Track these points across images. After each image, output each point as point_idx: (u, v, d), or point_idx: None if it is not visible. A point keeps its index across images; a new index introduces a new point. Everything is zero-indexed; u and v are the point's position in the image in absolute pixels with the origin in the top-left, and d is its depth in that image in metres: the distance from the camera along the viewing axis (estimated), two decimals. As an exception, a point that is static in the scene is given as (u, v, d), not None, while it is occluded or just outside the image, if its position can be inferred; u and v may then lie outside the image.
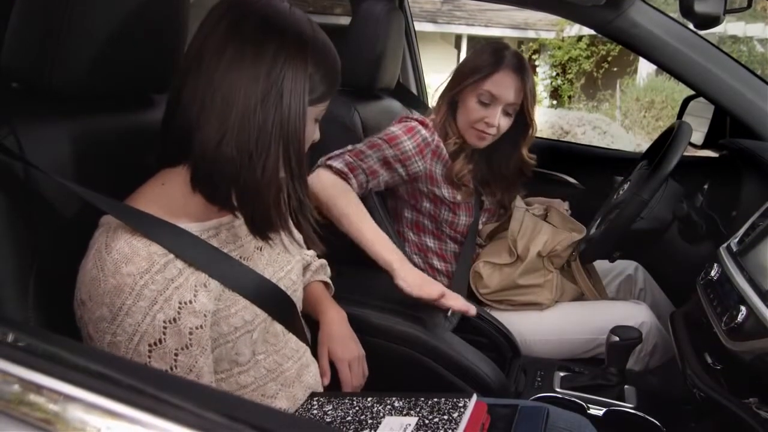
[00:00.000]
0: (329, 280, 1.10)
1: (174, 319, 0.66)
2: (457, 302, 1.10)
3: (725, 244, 1.09)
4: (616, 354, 1.16)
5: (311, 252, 1.08)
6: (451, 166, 1.37)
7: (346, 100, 1.51)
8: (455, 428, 0.74)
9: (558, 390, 1.17)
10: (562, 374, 1.21)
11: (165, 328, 0.65)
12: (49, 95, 0.73)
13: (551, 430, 0.87)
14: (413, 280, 1.10)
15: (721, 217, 1.34)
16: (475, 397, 0.81)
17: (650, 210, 1.24)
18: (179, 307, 0.66)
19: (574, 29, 9.39)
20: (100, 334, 0.65)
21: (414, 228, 1.45)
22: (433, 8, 9.56)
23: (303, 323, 0.92)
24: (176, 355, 0.67)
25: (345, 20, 1.78)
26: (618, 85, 9.26)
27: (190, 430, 0.39)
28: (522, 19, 9.78)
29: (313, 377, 0.91)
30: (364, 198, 1.29)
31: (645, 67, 8.83)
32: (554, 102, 10.06)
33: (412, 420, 0.77)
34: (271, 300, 0.80)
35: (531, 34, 10.05)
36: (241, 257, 0.78)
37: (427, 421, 0.76)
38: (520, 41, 10.18)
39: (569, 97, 10.06)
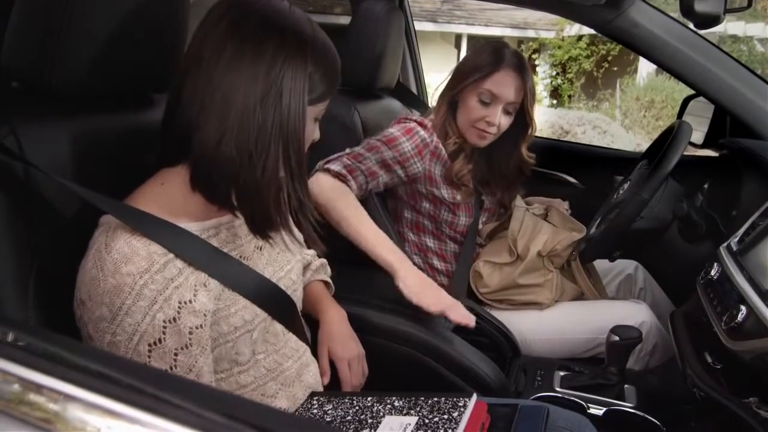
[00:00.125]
0: (329, 280, 1.10)
1: (174, 319, 0.66)
2: (456, 315, 1.08)
3: (725, 244, 1.09)
4: (616, 353, 1.16)
5: (311, 251, 1.08)
6: (450, 166, 1.37)
7: (346, 100, 1.51)
8: (455, 428, 0.74)
9: (558, 389, 1.17)
10: (562, 374, 1.21)
11: (165, 327, 0.65)
12: (49, 95, 0.73)
13: (551, 429, 0.87)
14: (414, 286, 1.10)
15: (721, 216, 1.34)
16: (475, 396, 0.81)
17: (650, 209, 1.24)
18: (179, 307, 0.66)
19: (574, 29, 9.39)
20: (99, 334, 0.65)
21: (414, 228, 1.45)
22: (433, 8, 9.56)
23: (303, 323, 0.92)
24: (176, 354, 0.67)
25: (345, 20, 1.78)
26: (618, 85, 9.25)
27: (190, 430, 0.39)
28: (522, 18, 9.78)
29: (313, 377, 0.91)
30: (364, 199, 1.30)
31: (645, 67, 8.83)
32: (554, 101, 10.06)
33: (412, 419, 0.77)
34: (271, 299, 0.80)
35: (531, 33, 10.05)
36: (240, 257, 0.78)
37: (427, 421, 0.76)
38: (520, 40, 10.18)
39: (569, 96, 10.06)
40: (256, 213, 0.71)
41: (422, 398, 0.82)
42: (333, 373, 0.98)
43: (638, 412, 1.11)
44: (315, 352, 0.97)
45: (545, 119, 7.57)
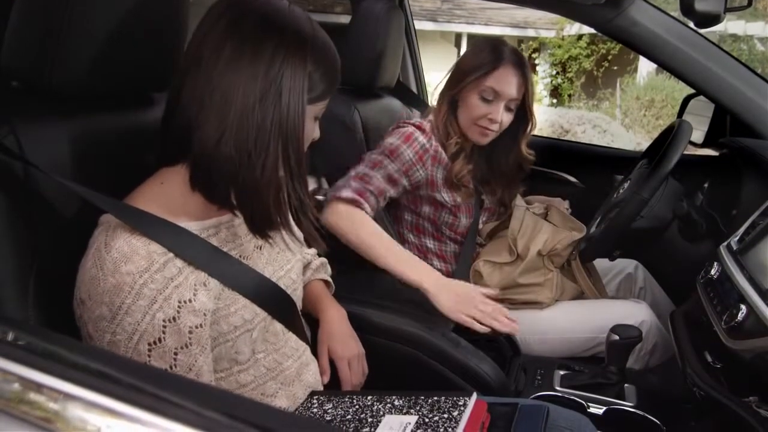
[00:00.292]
0: (329, 279, 1.10)
1: (173, 318, 0.66)
2: (501, 325, 1.08)
3: (725, 243, 1.09)
4: (616, 353, 1.16)
5: (312, 250, 1.08)
6: (450, 168, 1.37)
7: (346, 99, 1.51)
8: (455, 427, 0.74)
9: (558, 388, 1.17)
10: (562, 373, 1.21)
11: (164, 327, 0.65)
12: (49, 94, 0.73)
13: (551, 428, 0.87)
14: (447, 303, 1.11)
15: (721, 215, 1.34)
16: (475, 395, 0.81)
17: (650, 209, 1.24)
18: (179, 306, 0.66)
19: (575, 28, 9.39)
20: (99, 333, 0.65)
21: (414, 230, 1.45)
22: (433, 7, 9.55)
23: (303, 322, 0.92)
24: (176, 354, 0.67)
25: (345, 19, 1.77)
26: (618, 84, 9.25)
27: (190, 429, 0.39)
28: (522, 17, 9.77)
29: (312, 376, 0.91)
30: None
31: (645, 66, 8.82)
32: (554, 101, 10.06)
33: (412, 418, 0.77)
34: (271, 299, 0.80)
35: (531, 32, 10.04)
36: (240, 256, 0.78)
37: (427, 420, 0.76)
38: (520, 40, 10.18)
39: (569, 95, 10.05)
40: (256, 212, 0.71)
41: (422, 397, 0.82)
42: (333, 372, 0.98)
43: (638, 411, 1.11)
44: (315, 351, 0.97)
45: (545, 118, 7.56)
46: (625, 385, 1.17)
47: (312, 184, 1.64)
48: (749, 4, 1.42)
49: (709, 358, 1.03)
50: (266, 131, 0.68)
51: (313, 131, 0.77)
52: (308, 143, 0.77)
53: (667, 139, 1.31)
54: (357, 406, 0.83)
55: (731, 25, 8.13)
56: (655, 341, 1.35)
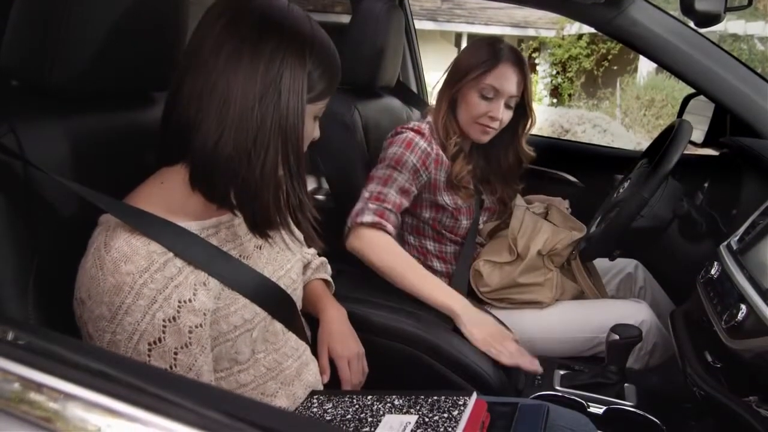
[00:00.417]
0: (329, 278, 1.10)
1: (173, 318, 0.66)
2: (528, 364, 1.10)
3: (725, 243, 1.09)
4: (616, 352, 1.16)
5: (312, 250, 1.08)
6: (450, 169, 1.37)
7: (346, 98, 1.51)
8: (455, 426, 0.74)
9: (558, 388, 1.16)
10: (562, 372, 1.21)
11: (164, 326, 0.65)
12: (48, 94, 0.73)
13: (551, 428, 0.87)
14: (478, 335, 1.12)
15: (721, 215, 1.34)
16: (475, 395, 0.81)
17: (650, 208, 1.23)
18: (179, 306, 0.66)
19: (575, 27, 9.39)
20: (99, 333, 0.65)
21: (414, 232, 1.45)
22: (433, 6, 9.56)
23: (303, 321, 0.92)
24: (176, 353, 0.67)
25: (345, 18, 1.77)
26: (618, 84, 9.25)
27: (190, 429, 0.39)
28: (522, 17, 9.78)
29: (313, 375, 0.91)
30: None
31: (645, 66, 8.82)
32: (554, 100, 10.06)
33: (412, 418, 0.77)
34: (271, 298, 0.80)
35: (531, 32, 10.05)
36: (240, 256, 0.78)
37: (427, 419, 0.76)
38: (520, 39, 10.18)
39: (569, 95, 10.06)
40: (256, 212, 0.71)
41: (422, 397, 0.82)
42: (333, 372, 0.98)
43: (638, 411, 1.11)
44: (315, 351, 0.97)
45: (545, 118, 7.56)
46: (625, 384, 1.17)
47: (312, 184, 1.65)
48: (749, 3, 1.42)
49: (709, 358, 1.03)
50: (266, 131, 0.68)
51: (313, 131, 0.77)
52: (308, 143, 0.76)
53: (667, 138, 1.31)
54: (357, 406, 0.83)
55: (731, 25, 8.13)
56: (655, 341, 1.35)
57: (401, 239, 1.46)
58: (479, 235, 1.48)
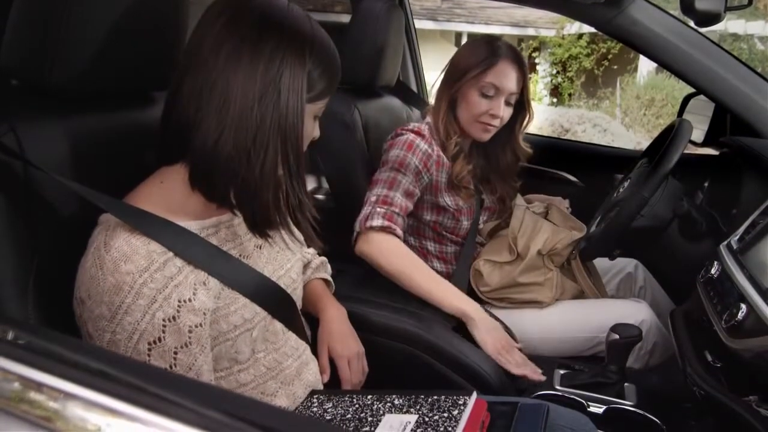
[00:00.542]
0: (330, 278, 1.10)
1: (173, 318, 0.66)
2: (533, 374, 1.12)
3: (725, 242, 1.09)
4: (616, 352, 1.16)
5: (312, 250, 1.08)
6: (450, 169, 1.37)
7: (346, 98, 1.51)
8: (455, 426, 0.74)
9: (558, 388, 1.16)
10: (562, 372, 1.21)
11: (164, 326, 0.65)
12: (48, 93, 0.73)
13: (551, 427, 0.87)
14: (491, 342, 1.13)
15: (721, 214, 1.34)
16: (475, 394, 0.81)
17: (650, 208, 1.23)
18: (178, 306, 0.66)
19: (575, 27, 9.39)
20: (99, 333, 0.65)
21: (415, 233, 1.45)
22: (433, 6, 9.55)
23: (303, 321, 0.92)
24: (176, 353, 0.67)
25: (345, 18, 1.77)
26: (618, 83, 9.24)
27: (190, 428, 0.39)
28: (522, 16, 9.77)
29: (313, 375, 0.91)
30: None
31: (645, 65, 8.82)
32: (554, 100, 10.06)
33: (412, 418, 0.77)
34: (271, 298, 0.80)
35: (531, 31, 10.04)
36: (240, 255, 0.78)
37: (427, 419, 0.76)
38: (521, 39, 10.17)
39: (569, 94, 10.05)
40: (255, 211, 0.71)
41: (422, 396, 0.82)
42: (333, 372, 0.98)
43: (638, 411, 1.11)
44: (315, 350, 0.97)
45: (545, 117, 7.56)
46: (625, 384, 1.17)
47: (311, 184, 1.65)
48: (749, 3, 1.42)
49: (709, 358, 1.03)
50: (265, 130, 0.68)
51: (312, 130, 0.77)
52: (308, 142, 0.76)
53: (668, 138, 1.31)
54: (357, 405, 0.83)
55: (731, 24, 8.13)
56: (655, 340, 1.35)
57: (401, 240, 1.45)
58: (479, 234, 1.48)
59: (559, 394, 1.15)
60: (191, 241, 0.70)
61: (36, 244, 0.69)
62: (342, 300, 1.07)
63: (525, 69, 1.38)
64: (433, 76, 1.53)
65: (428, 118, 1.43)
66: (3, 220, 0.67)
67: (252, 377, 0.80)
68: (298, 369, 0.87)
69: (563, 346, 1.36)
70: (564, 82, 10.03)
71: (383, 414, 0.80)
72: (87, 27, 0.71)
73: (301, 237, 0.89)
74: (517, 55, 1.38)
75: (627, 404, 1.12)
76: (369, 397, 0.85)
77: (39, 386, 0.43)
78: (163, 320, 0.65)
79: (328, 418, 0.82)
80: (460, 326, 1.17)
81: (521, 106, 1.42)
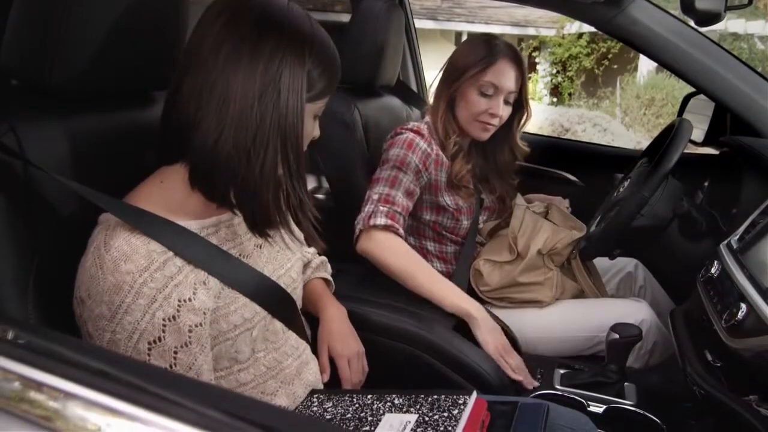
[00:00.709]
0: (330, 277, 1.10)
1: (173, 317, 0.66)
2: (528, 381, 1.14)
3: (725, 242, 1.09)
4: (616, 351, 1.16)
5: (312, 249, 1.08)
6: (450, 168, 1.37)
7: (346, 97, 1.51)
8: (455, 425, 0.74)
9: (558, 387, 1.16)
10: (562, 371, 1.21)
11: (164, 325, 0.66)
12: (48, 93, 0.73)
13: (551, 427, 0.87)
14: (493, 342, 1.14)
15: (721, 214, 1.34)
16: (475, 394, 0.81)
17: (650, 207, 1.23)
18: (178, 305, 0.66)
19: (575, 26, 9.38)
20: (99, 332, 0.65)
21: (415, 234, 1.45)
22: (434, 5, 9.55)
23: (303, 320, 0.92)
24: (176, 352, 0.67)
25: (345, 17, 1.77)
26: (618, 83, 9.24)
27: (189, 428, 0.39)
28: (522, 16, 9.77)
29: (313, 374, 0.91)
30: None
31: (645, 65, 8.82)
32: (554, 99, 10.06)
33: (412, 417, 0.77)
34: (271, 298, 0.80)
35: (531, 31, 10.04)
36: (240, 255, 0.78)
37: (426, 419, 0.76)
38: (521, 38, 10.17)
39: (569, 94, 10.05)
40: (255, 211, 0.71)
41: (422, 396, 0.82)
42: (333, 371, 0.98)
43: (638, 410, 1.11)
44: (315, 350, 0.97)
45: (545, 117, 7.56)
46: (625, 383, 1.17)
47: (312, 183, 1.65)
48: (749, 2, 1.42)
49: (709, 357, 1.03)
50: (265, 129, 0.68)
51: (312, 130, 0.77)
52: (308, 142, 0.76)
53: (668, 137, 1.31)
54: (357, 405, 0.83)
55: (731, 24, 8.12)
56: (655, 340, 1.35)
57: None
58: (479, 234, 1.48)
59: (559, 393, 1.15)
60: (191, 240, 0.70)
61: (36, 244, 0.69)
62: (342, 299, 1.07)
63: (523, 68, 1.38)
64: (433, 75, 1.53)
65: (427, 118, 1.43)
66: (3, 220, 0.67)
67: (252, 377, 0.80)
68: (298, 368, 0.87)
69: (563, 346, 1.36)
70: (564, 81, 10.02)
71: (383, 413, 0.80)
72: (87, 27, 0.71)
73: (301, 236, 0.89)
74: (516, 53, 1.38)
75: (627, 404, 1.12)
76: (369, 396, 0.85)
77: (39, 386, 0.43)
78: (163, 320, 0.65)
79: (328, 417, 0.82)
80: (459, 326, 1.17)
81: (519, 104, 1.42)
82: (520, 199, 1.52)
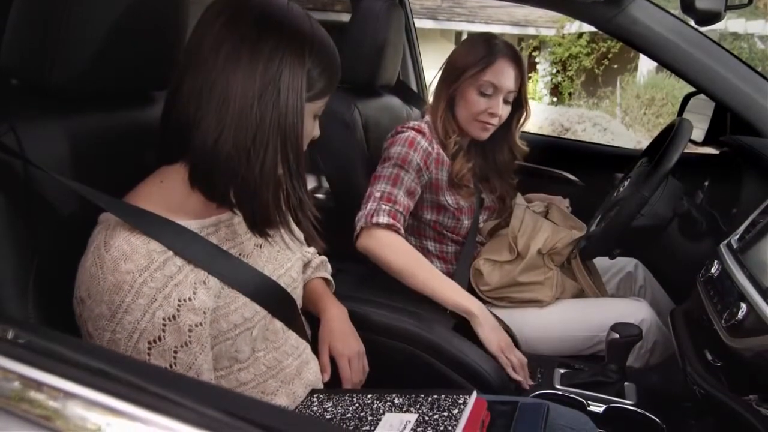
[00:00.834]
0: (330, 277, 1.10)
1: (173, 317, 0.66)
2: (525, 378, 1.14)
3: (725, 241, 1.09)
4: (616, 351, 1.16)
5: (311, 249, 1.08)
6: (450, 167, 1.37)
7: (346, 97, 1.51)
8: (455, 425, 0.74)
9: (558, 387, 1.16)
10: (562, 371, 1.21)
11: (164, 325, 0.66)
12: (48, 93, 0.73)
13: (551, 427, 0.87)
14: (495, 340, 1.14)
15: (721, 214, 1.34)
16: (475, 393, 0.81)
17: (650, 207, 1.23)
18: (178, 305, 0.66)
19: (575, 26, 9.38)
20: (99, 332, 0.65)
21: (415, 233, 1.45)
22: (434, 5, 9.55)
23: (303, 320, 0.92)
24: (176, 352, 0.67)
25: (345, 17, 1.77)
26: (618, 82, 9.24)
27: (190, 427, 0.39)
28: (522, 15, 9.77)
29: (313, 374, 0.91)
30: None
31: (645, 64, 8.81)
32: (554, 99, 10.06)
33: (412, 417, 0.77)
34: (271, 297, 0.80)
35: (531, 31, 10.03)
36: (240, 254, 0.78)
37: (427, 418, 0.76)
38: (521, 38, 10.16)
39: (569, 94, 10.05)
40: (255, 210, 0.71)
41: (422, 395, 0.82)
42: (333, 371, 0.98)
43: (638, 410, 1.11)
44: (315, 350, 0.97)
45: (545, 116, 7.56)
46: (625, 383, 1.17)
47: (312, 183, 1.65)
48: (749, 2, 1.42)
49: (710, 357, 1.03)
50: (265, 129, 0.68)
51: (312, 129, 0.77)
52: (308, 141, 0.76)
53: (668, 137, 1.31)
54: (357, 405, 0.83)
55: (732, 24, 8.12)
56: (655, 339, 1.35)
57: None
58: (479, 234, 1.48)
59: (559, 393, 1.15)
60: (191, 240, 0.70)
61: (36, 244, 0.69)
62: (342, 299, 1.07)
63: (523, 67, 1.38)
64: (433, 75, 1.53)
65: (427, 117, 1.43)
66: (3, 220, 0.67)
67: (252, 376, 0.80)
68: (299, 368, 0.87)
69: (563, 345, 1.36)
70: (564, 81, 10.02)
71: (383, 413, 0.80)
72: (87, 27, 0.71)
73: (301, 236, 0.89)
74: (515, 53, 1.38)
75: (627, 403, 1.12)
76: (369, 396, 0.85)
77: (39, 385, 0.43)
78: (163, 319, 0.65)
79: (328, 417, 0.82)
80: (459, 325, 1.17)
81: (518, 104, 1.43)
82: (520, 199, 1.52)
